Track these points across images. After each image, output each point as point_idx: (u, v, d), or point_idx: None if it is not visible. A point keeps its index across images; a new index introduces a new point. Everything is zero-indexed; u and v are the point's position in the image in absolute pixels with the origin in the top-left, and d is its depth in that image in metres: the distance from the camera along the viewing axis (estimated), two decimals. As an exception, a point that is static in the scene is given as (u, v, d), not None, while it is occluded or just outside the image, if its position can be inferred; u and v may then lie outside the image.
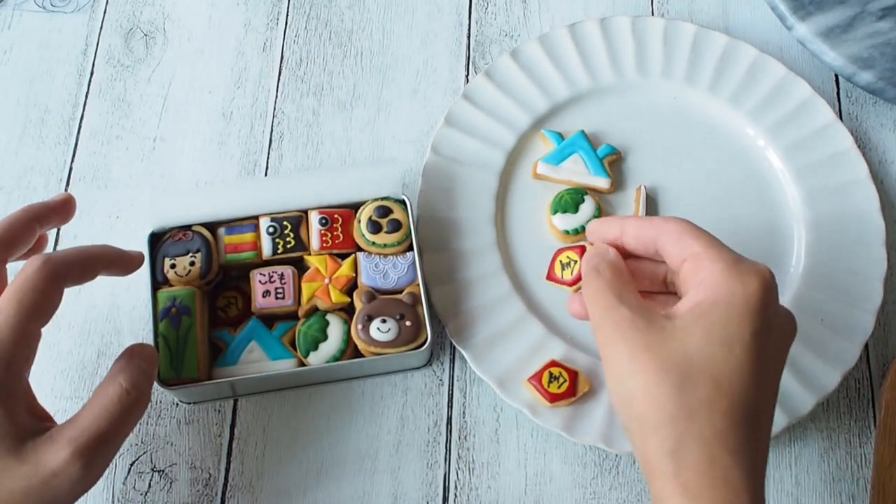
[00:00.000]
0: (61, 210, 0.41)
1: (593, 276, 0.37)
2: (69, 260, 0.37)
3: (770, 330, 0.34)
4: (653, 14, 0.58)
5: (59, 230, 0.51)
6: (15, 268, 0.38)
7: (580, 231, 0.49)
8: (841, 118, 0.55)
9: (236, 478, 0.46)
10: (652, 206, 0.51)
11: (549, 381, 0.45)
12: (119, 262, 0.41)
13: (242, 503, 0.45)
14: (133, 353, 0.39)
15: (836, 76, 0.56)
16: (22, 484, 0.33)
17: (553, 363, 0.45)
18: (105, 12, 0.58)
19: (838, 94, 0.56)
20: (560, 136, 0.51)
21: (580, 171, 0.50)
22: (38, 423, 0.35)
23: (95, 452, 0.35)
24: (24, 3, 0.58)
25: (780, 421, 0.45)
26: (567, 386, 0.44)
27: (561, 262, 0.41)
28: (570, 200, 0.49)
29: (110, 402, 0.36)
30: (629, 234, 0.38)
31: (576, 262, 0.40)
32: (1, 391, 0.34)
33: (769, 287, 0.34)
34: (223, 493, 0.46)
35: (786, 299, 0.48)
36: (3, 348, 0.34)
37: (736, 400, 0.33)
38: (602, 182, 0.50)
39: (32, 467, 0.34)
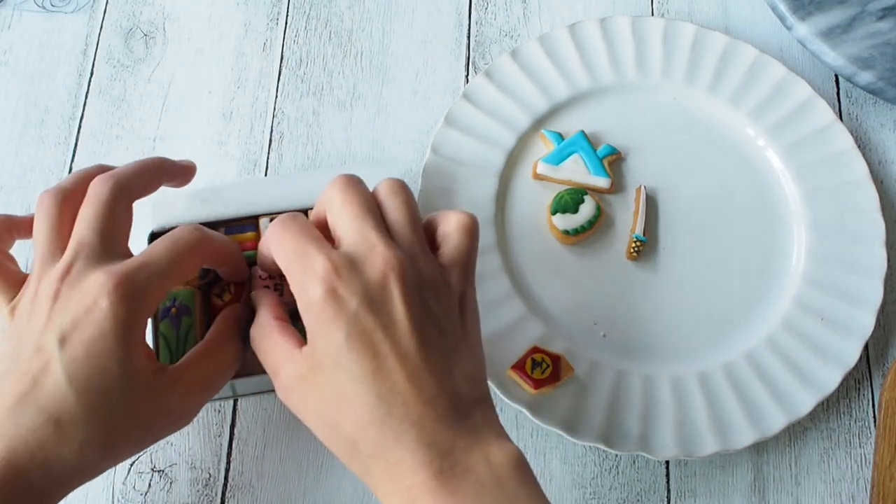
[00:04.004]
0: (185, 172, 0.44)
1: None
2: (217, 241, 0.40)
3: (364, 305, 0.34)
4: (653, 14, 0.58)
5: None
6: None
7: (580, 231, 0.49)
8: (841, 118, 0.55)
9: (236, 478, 0.46)
10: (652, 206, 0.51)
11: (533, 368, 0.45)
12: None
13: (242, 503, 0.45)
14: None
15: (836, 76, 0.56)
16: (148, 409, 0.36)
17: (535, 349, 0.45)
18: (105, 12, 0.58)
19: (838, 94, 0.56)
20: (560, 136, 0.51)
21: (580, 171, 0.51)
22: (152, 361, 0.37)
23: (204, 400, 0.39)
24: (24, 3, 0.58)
25: (780, 421, 0.45)
26: (550, 371, 0.44)
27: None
28: (570, 200, 0.49)
29: (226, 363, 0.40)
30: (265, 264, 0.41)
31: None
32: (137, 334, 0.36)
33: (331, 283, 0.34)
34: (223, 493, 0.46)
35: (786, 299, 0.48)
36: (150, 303, 0.36)
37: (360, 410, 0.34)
38: (602, 182, 0.50)
39: (162, 398, 0.37)
